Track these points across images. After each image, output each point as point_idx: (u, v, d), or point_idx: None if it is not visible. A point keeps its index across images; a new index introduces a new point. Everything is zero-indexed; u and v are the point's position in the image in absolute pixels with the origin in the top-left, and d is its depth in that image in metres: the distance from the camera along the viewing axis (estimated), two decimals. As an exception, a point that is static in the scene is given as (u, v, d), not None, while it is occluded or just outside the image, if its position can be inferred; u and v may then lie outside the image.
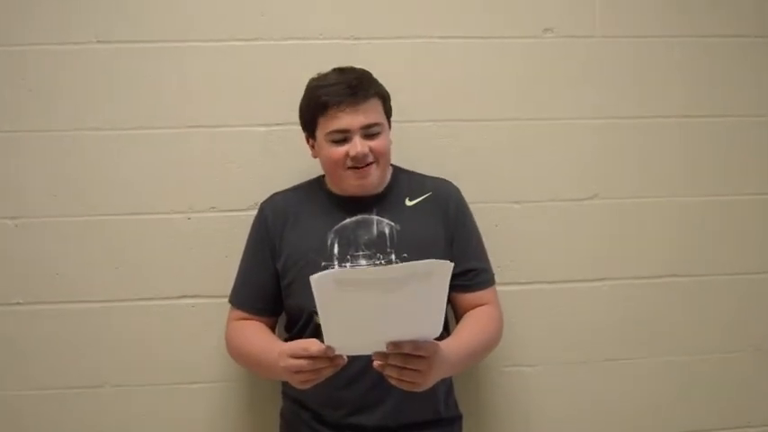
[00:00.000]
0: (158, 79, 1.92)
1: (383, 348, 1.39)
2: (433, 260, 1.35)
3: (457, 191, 1.81)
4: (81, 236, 1.91)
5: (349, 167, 1.66)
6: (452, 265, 1.35)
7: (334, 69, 1.70)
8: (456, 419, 1.80)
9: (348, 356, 1.44)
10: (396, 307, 1.34)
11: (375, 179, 1.69)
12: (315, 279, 1.31)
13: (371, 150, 1.65)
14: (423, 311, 1.38)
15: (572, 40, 2.01)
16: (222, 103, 1.93)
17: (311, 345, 1.43)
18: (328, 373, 1.44)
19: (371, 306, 1.34)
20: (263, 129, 1.94)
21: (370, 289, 1.32)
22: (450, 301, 1.72)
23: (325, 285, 1.31)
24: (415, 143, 1.92)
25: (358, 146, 1.63)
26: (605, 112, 2.03)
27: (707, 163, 2.07)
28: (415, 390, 1.45)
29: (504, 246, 1.97)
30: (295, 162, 1.91)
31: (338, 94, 1.63)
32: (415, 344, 1.39)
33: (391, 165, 1.78)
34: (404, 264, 1.38)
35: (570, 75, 2.02)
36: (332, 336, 1.38)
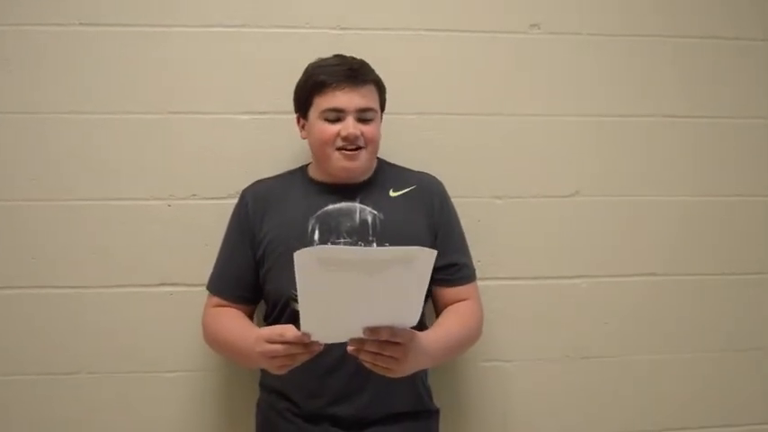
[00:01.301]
0: (142, 64, 1.90)
1: (359, 334, 1.39)
2: (419, 247, 1.35)
3: (441, 185, 1.81)
4: (59, 220, 1.89)
5: (338, 148, 1.66)
6: (436, 252, 1.34)
7: (335, 55, 1.71)
8: (434, 413, 1.79)
9: (325, 345, 1.43)
10: (376, 292, 1.33)
11: (362, 164, 1.69)
12: (298, 255, 1.29)
13: (363, 134, 1.65)
14: (402, 298, 1.38)
15: (559, 36, 2.02)
16: (206, 89, 1.92)
17: (287, 330, 1.43)
18: (304, 358, 1.44)
19: (351, 289, 1.33)
20: (246, 117, 1.93)
21: (353, 270, 1.31)
22: (430, 295, 1.72)
23: (308, 262, 1.30)
24: (398, 135, 1.91)
25: (350, 126, 1.64)
26: (590, 109, 2.04)
27: (690, 162, 2.08)
28: (390, 375, 1.45)
29: (486, 241, 1.97)
30: (278, 151, 1.90)
31: (337, 75, 1.64)
32: (393, 330, 1.39)
33: (377, 157, 1.77)
34: (389, 248, 1.37)
35: (556, 71, 2.03)
36: (309, 320, 1.37)
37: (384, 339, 1.39)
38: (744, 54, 2.09)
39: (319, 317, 1.37)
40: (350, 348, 1.41)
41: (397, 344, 1.41)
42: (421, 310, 1.43)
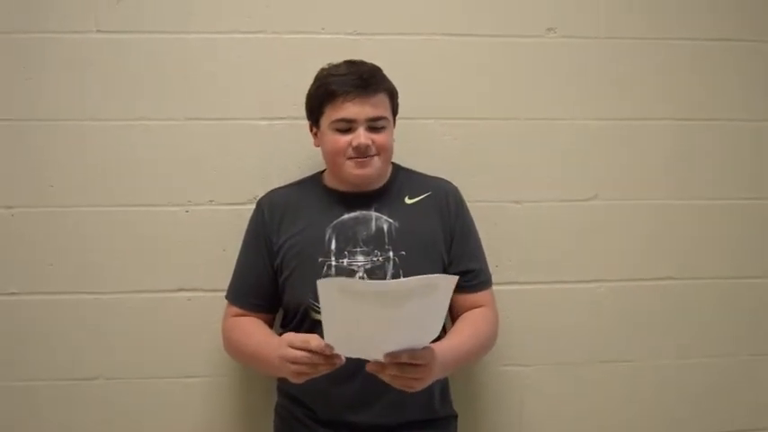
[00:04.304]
0: (159, 70, 1.90)
1: (380, 355, 1.39)
2: (439, 275, 1.36)
3: (456, 191, 1.80)
4: (77, 226, 1.90)
5: (350, 157, 1.66)
6: (456, 279, 1.35)
7: (346, 61, 1.69)
8: (451, 418, 1.80)
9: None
10: (397, 320, 1.33)
11: (375, 170, 1.68)
12: (321, 284, 1.30)
13: (374, 143, 1.65)
14: (423, 322, 1.38)
15: (575, 40, 2.01)
16: (223, 95, 1.92)
17: (312, 339, 1.43)
18: (324, 370, 1.44)
19: (373, 317, 1.33)
20: (263, 122, 1.93)
21: (374, 302, 1.31)
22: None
23: (330, 291, 1.31)
24: (415, 140, 1.91)
25: (362, 137, 1.63)
26: (607, 112, 2.02)
27: (708, 166, 2.07)
28: (409, 391, 1.46)
29: (503, 245, 1.97)
30: (295, 157, 1.90)
31: (348, 84, 1.62)
32: (413, 354, 1.40)
33: (392, 163, 1.77)
34: (408, 279, 1.36)
35: (572, 75, 2.01)
36: (332, 338, 1.38)
37: (404, 362, 1.39)
38: (762, 56, 2.07)
39: (342, 336, 1.38)
40: (369, 368, 1.41)
41: (417, 365, 1.41)
42: (440, 329, 1.43)
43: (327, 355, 1.41)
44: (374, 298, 1.31)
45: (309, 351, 1.42)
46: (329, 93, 1.64)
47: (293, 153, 1.91)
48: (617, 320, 2.06)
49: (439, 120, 1.97)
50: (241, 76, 1.92)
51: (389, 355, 1.38)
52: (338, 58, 1.72)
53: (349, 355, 1.43)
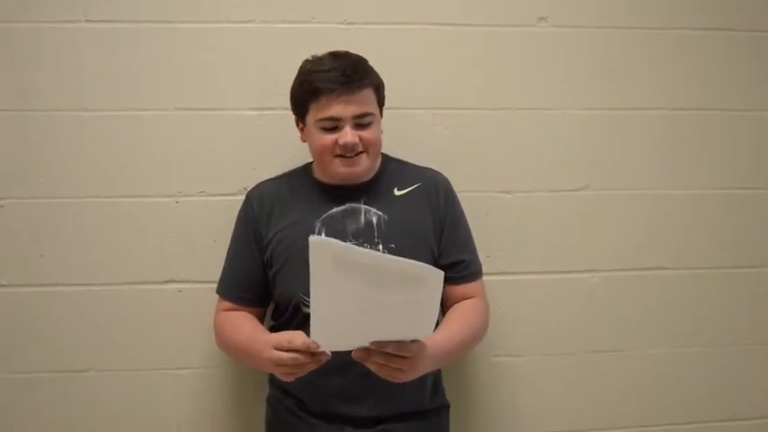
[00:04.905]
0: (149, 60, 1.89)
1: (367, 345, 1.39)
2: (430, 266, 1.34)
3: (446, 181, 1.80)
4: (67, 218, 1.89)
5: (337, 155, 1.65)
6: (443, 274, 1.33)
7: (330, 54, 1.67)
8: (443, 409, 1.80)
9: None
10: (386, 306, 1.32)
11: (363, 168, 1.68)
12: (314, 243, 1.27)
13: (361, 140, 1.63)
14: (413, 315, 1.38)
15: (567, 29, 2.00)
16: (213, 85, 1.91)
17: (296, 337, 1.43)
18: (311, 367, 1.44)
19: (362, 298, 1.31)
20: (253, 113, 1.92)
21: (363, 276, 1.29)
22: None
23: (323, 255, 1.28)
24: (405, 130, 1.90)
25: (348, 135, 1.61)
26: (598, 102, 2.02)
27: (701, 155, 2.07)
28: (394, 381, 1.45)
29: (495, 235, 1.97)
30: (285, 147, 1.89)
31: (332, 82, 1.59)
32: (399, 345, 1.39)
33: (381, 153, 1.76)
34: (399, 258, 1.35)
35: (564, 64, 2.01)
36: (318, 324, 1.36)
37: (389, 353, 1.39)
38: (754, 46, 2.07)
39: (329, 320, 1.36)
40: (355, 355, 1.41)
41: (403, 357, 1.40)
42: (433, 326, 1.42)
43: (313, 353, 1.41)
44: (362, 269, 1.28)
45: (294, 350, 1.41)
46: (313, 91, 1.61)
47: (284, 143, 1.89)
48: (610, 310, 2.06)
49: (429, 110, 1.96)
50: (231, 65, 1.91)
51: (375, 342, 1.38)
52: (329, 47, 1.70)
53: (335, 349, 1.43)
